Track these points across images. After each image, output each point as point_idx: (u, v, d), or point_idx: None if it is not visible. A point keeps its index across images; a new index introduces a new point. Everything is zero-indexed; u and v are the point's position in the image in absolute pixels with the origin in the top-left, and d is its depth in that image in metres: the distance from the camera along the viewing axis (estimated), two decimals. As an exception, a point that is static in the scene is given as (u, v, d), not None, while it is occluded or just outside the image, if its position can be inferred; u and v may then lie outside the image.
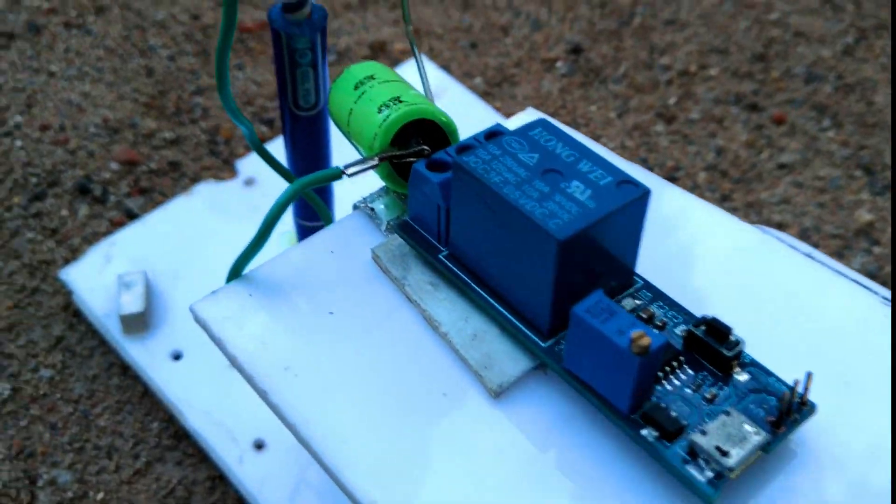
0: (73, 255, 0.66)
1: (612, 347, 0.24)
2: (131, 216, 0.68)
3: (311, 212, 0.59)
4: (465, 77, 0.79)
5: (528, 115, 0.39)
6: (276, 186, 0.67)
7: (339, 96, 0.39)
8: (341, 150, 0.55)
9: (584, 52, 0.82)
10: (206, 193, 0.67)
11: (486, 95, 0.78)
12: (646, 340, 0.23)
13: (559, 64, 0.81)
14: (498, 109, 0.76)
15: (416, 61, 0.49)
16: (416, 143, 0.38)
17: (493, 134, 0.33)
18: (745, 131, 0.77)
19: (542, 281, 0.27)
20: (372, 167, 0.36)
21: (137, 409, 0.59)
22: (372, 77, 0.39)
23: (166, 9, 0.84)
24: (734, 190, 0.73)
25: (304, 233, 0.61)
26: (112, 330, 0.60)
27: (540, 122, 0.30)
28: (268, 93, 0.77)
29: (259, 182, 0.68)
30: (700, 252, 0.33)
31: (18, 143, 0.72)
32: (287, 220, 0.64)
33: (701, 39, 0.84)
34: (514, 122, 0.39)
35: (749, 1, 0.88)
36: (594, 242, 0.27)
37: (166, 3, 0.85)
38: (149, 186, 0.70)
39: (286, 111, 0.50)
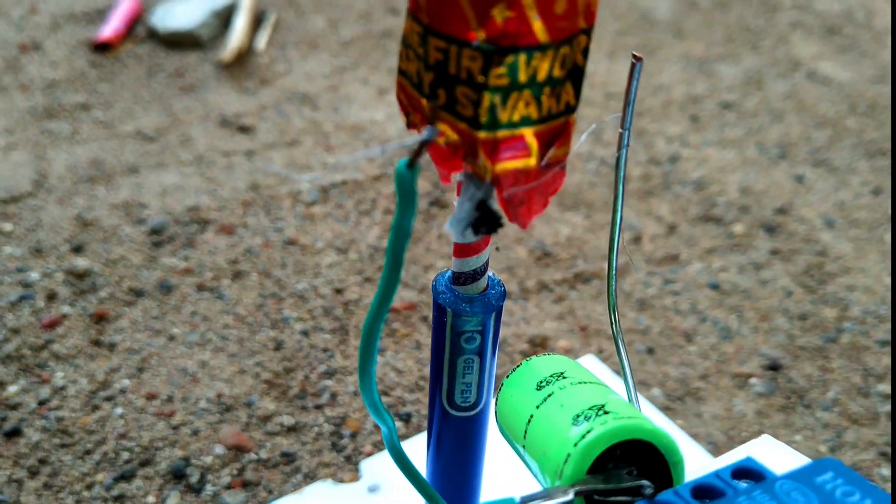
0: (149, 556, 0.53)
1: None
2: (226, 514, 0.55)
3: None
4: (641, 386, 0.66)
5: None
6: (405, 497, 0.54)
7: (515, 397, 0.31)
8: (499, 458, 0.42)
9: (784, 370, 0.69)
10: (319, 497, 0.54)
11: (666, 410, 0.64)
12: None
13: (754, 381, 0.68)
14: (681, 427, 0.62)
15: (620, 354, 0.38)
16: (626, 474, 0.27)
17: (746, 472, 0.25)
18: None
19: None
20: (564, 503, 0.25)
21: None
22: (562, 375, 0.31)
23: (308, 280, 0.76)
24: None
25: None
26: None
27: (830, 465, 0.23)
28: (408, 383, 0.66)
29: (385, 490, 0.54)
30: None
31: (119, 410, 0.63)
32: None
33: (926, 368, 0.70)
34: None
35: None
36: None
37: (309, 273, 0.77)
38: (254, 479, 0.58)
39: (436, 407, 0.39)
